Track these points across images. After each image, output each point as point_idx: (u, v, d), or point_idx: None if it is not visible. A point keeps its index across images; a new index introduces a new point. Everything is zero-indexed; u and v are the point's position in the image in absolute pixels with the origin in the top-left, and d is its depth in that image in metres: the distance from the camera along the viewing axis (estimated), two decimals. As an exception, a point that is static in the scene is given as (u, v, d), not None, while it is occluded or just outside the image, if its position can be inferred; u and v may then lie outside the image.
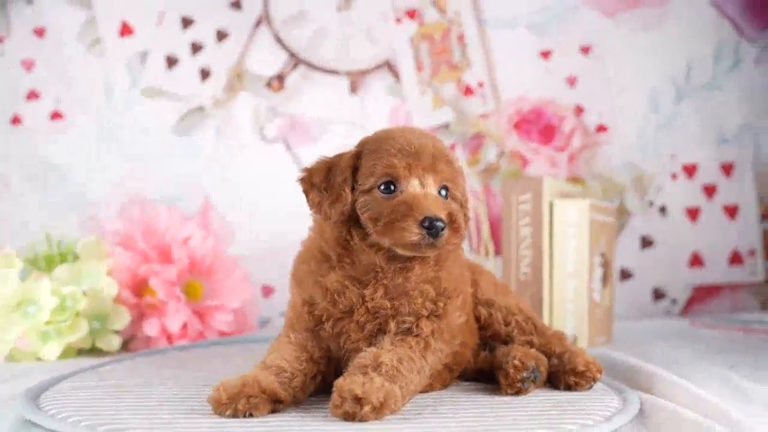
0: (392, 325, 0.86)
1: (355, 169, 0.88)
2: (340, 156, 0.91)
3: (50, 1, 2.06)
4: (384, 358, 0.80)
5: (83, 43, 2.07)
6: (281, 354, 0.86)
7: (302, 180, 0.91)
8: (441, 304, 0.89)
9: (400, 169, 0.85)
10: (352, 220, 0.88)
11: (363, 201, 0.87)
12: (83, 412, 0.79)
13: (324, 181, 0.89)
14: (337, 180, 0.88)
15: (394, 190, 0.86)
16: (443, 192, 0.88)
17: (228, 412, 0.77)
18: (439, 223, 0.82)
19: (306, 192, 0.90)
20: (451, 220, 0.84)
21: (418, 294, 0.87)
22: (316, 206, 0.89)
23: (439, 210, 0.83)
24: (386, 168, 0.86)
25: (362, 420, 0.74)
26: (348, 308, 0.87)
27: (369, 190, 0.87)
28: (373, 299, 0.86)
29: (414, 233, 0.82)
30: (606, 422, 0.78)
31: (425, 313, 0.87)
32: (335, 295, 0.87)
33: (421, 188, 0.86)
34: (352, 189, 0.88)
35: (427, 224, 0.82)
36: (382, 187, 0.86)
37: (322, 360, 0.88)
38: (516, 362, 0.92)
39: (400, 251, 0.85)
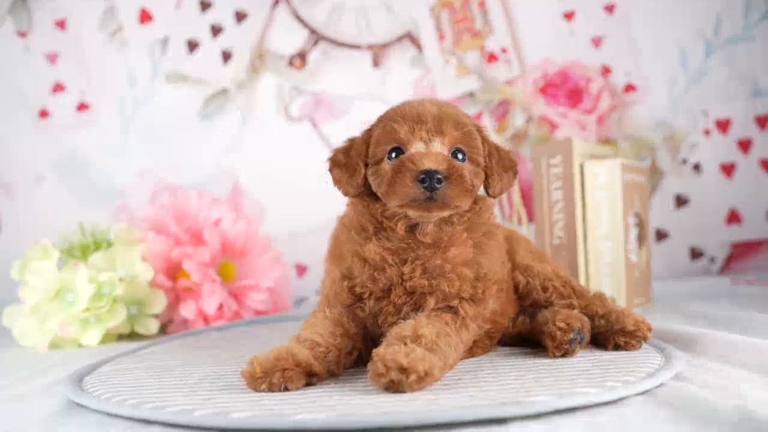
0: (431, 301, 0.85)
1: (369, 144, 0.89)
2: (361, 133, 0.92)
3: (69, -7, 2.08)
4: (424, 331, 0.79)
5: (104, 32, 2.08)
6: (316, 329, 0.85)
7: (329, 160, 0.91)
8: (480, 291, 0.87)
9: (402, 133, 0.85)
10: (375, 195, 0.88)
11: (372, 171, 0.87)
12: (127, 393, 0.80)
13: (345, 159, 0.89)
14: (353, 155, 0.89)
15: (400, 156, 0.85)
16: (460, 156, 0.86)
17: (263, 386, 0.77)
18: (438, 176, 0.81)
19: (330, 170, 0.91)
20: (454, 174, 0.82)
21: (456, 276, 0.86)
22: (337, 183, 0.90)
23: (437, 164, 0.82)
24: (390, 134, 0.86)
25: (406, 390, 0.73)
26: (387, 287, 0.86)
27: (379, 161, 0.87)
28: (411, 278, 0.85)
29: (410, 187, 0.81)
30: (649, 378, 0.76)
31: (465, 295, 0.86)
32: (375, 272, 0.86)
33: (425, 149, 0.85)
34: (367, 164, 0.88)
35: (422, 177, 0.81)
36: (392, 156, 0.86)
37: (358, 336, 0.87)
38: (562, 324, 0.91)
39: (411, 214, 0.84)
